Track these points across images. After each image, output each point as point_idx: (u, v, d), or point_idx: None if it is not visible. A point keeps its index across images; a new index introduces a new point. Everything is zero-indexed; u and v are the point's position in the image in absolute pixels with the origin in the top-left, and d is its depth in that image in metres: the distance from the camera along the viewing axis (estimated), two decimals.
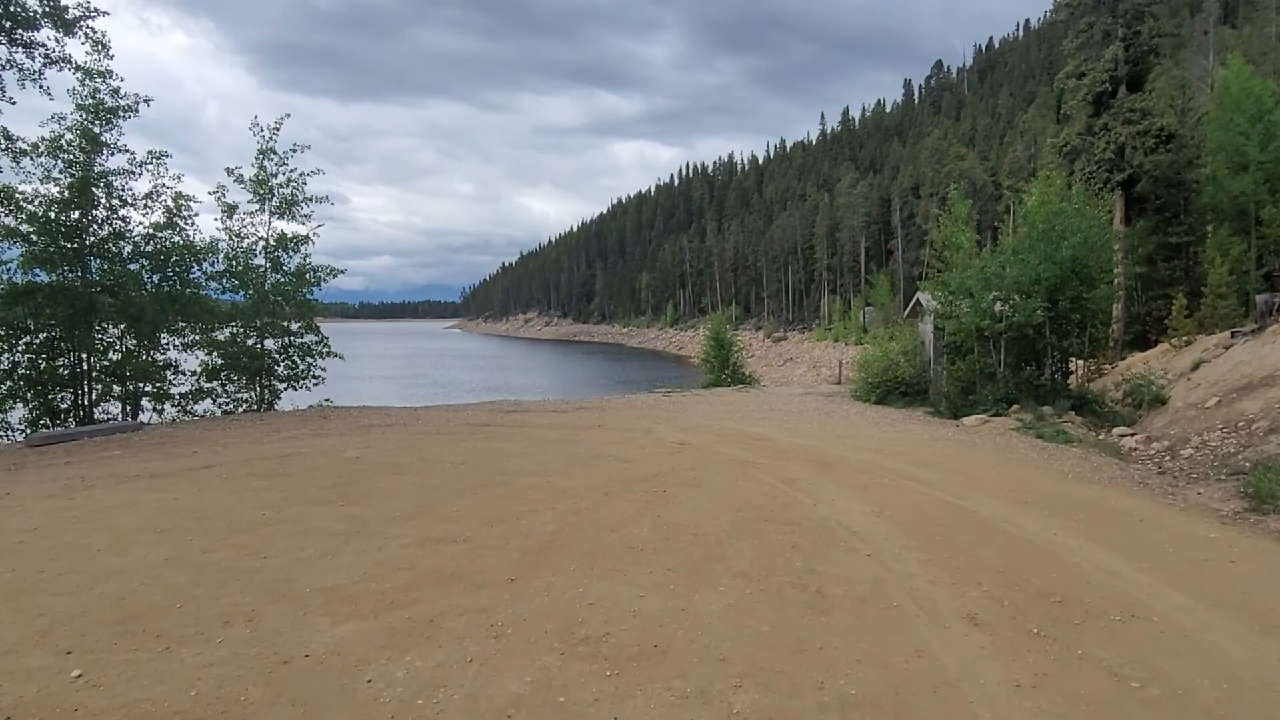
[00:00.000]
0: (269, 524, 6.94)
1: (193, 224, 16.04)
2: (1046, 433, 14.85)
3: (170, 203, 15.70)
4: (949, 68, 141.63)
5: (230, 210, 17.00)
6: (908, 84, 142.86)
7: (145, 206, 15.70)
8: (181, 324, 15.90)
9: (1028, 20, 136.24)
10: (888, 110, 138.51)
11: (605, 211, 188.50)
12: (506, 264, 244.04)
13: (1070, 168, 27.23)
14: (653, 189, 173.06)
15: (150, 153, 15.58)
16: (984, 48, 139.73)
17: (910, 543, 6.95)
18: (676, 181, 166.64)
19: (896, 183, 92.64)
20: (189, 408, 16.03)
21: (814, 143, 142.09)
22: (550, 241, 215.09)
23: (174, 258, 15.65)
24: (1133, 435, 15.13)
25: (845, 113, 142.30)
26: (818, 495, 8.77)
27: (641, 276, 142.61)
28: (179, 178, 15.98)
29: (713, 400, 21.27)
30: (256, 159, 17.11)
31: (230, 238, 17.18)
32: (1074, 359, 18.41)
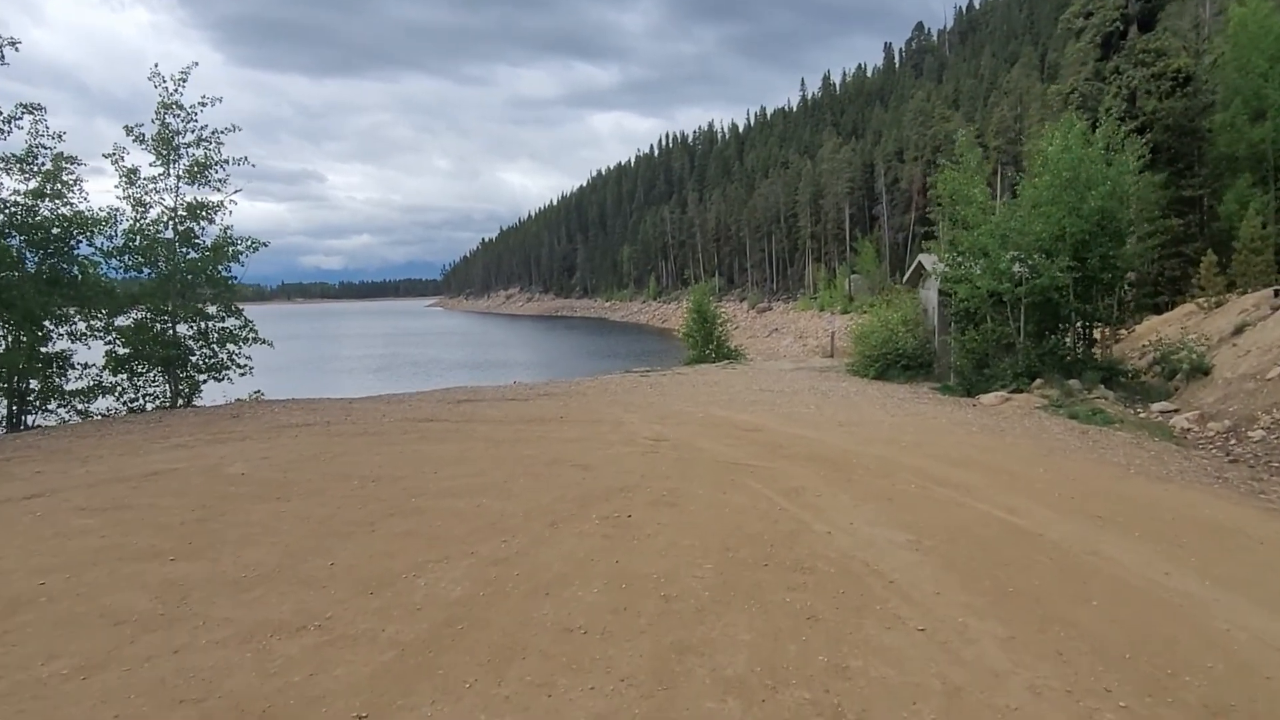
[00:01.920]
0: (36, 603, 4.74)
1: (78, 191, 13.63)
2: (1080, 412, 12.82)
3: (50, 166, 13.29)
4: (930, 30, 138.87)
5: (130, 176, 14.54)
6: (888, 47, 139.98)
7: (22, 171, 13.30)
8: (70, 309, 13.51)
9: None
10: (869, 75, 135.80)
11: (585, 185, 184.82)
12: (487, 240, 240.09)
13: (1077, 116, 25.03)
14: (632, 160, 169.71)
15: (21, 105, 13.16)
16: (964, 9, 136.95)
17: (974, 600, 4.85)
18: (656, 152, 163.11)
19: (880, 147, 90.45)
20: (83, 407, 13.71)
21: (795, 110, 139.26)
22: (530, 216, 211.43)
23: (55, 231, 13.24)
24: (1178, 412, 13.12)
25: (826, 78, 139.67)
26: (831, 515, 6.66)
27: (623, 249, 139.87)
28: (60, 136, 13.57)
29: (696, 380, 19.12)
30: (157, 113, 14.63)
31: (134, 208, 14.75)
32: (1099, 325, 16.35)
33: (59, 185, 13.39)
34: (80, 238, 13.63)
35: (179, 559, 5.52)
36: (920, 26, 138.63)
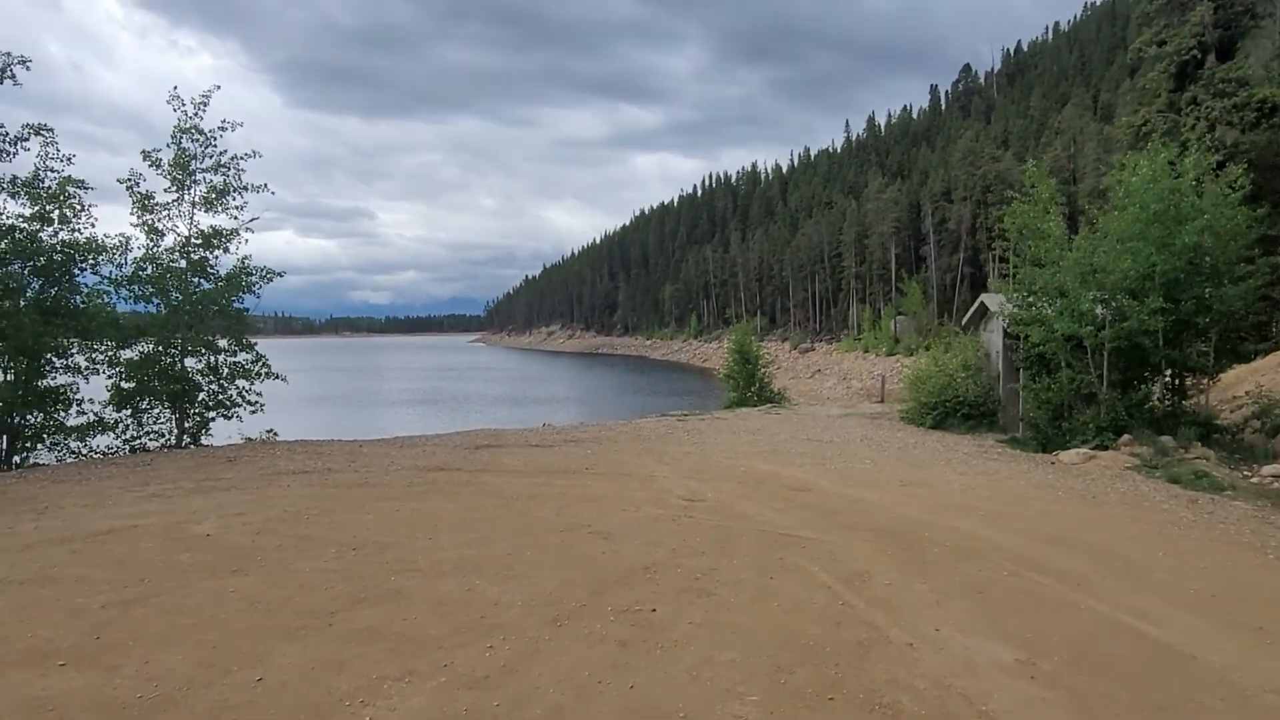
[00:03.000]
0: None
1: (84, 216, 12.82)
2: (1181, 475, 11.15)
3: (56, 190, 12.51)
4: (976, 72, 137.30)
5: (144, 202, 13.75)
6: (934, 89, 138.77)
7: (30, 195, 12.55)
8: (68, 341, 12.62)
9: (1057, 23, 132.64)
10: (914, 116, 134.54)
11: (628, 223, 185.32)
12: (530, 277, 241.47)
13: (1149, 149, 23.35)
14: (675, 200, 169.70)
15: (28, 126, 12.44)
16: (1011, 51, 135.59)
17: None
18: (699, 192, 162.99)
19: (926, 188, 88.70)
20: (78, 445, 12.74)
21: (839, 150, 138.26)
22: (573, 254, 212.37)
23: (57, 257, 12.42)
24: None
25: (871, 119, 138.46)
26: (909, 617, 5.23)
27: (665, 288, 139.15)
28: (70, 159, 12.81)
29: (736, 426, 17.71)
30: (174, 137, 13.87)
31: (148, 235, 13.94)
32: (1190, 374, 14.60)
33: (64, 210, 12.60)
34: (84, 265, 12.78)
35: (69, 664, 4.29)
36: (967, 68, 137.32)
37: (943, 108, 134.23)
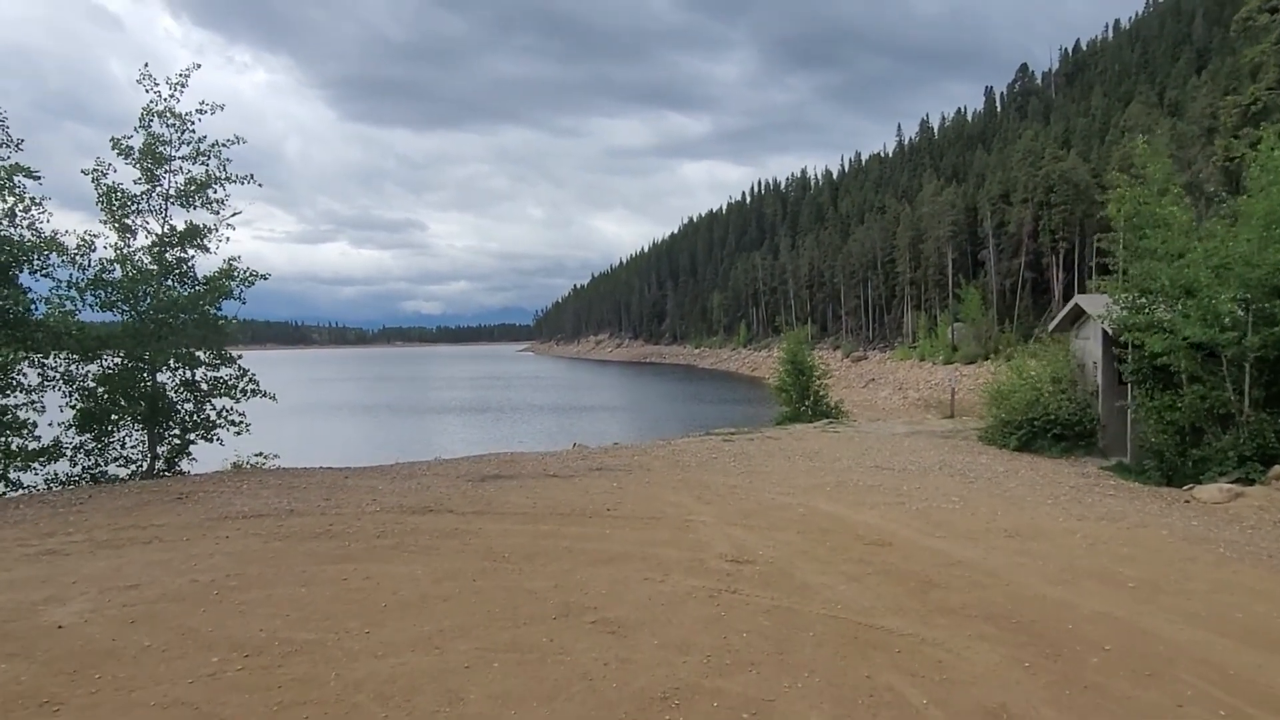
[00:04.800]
0: None
1: (37, 210, 11.17)
2: None
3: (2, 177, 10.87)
4: (1034, 72, 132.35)
5: (109, 196, 12.07)
6: (989, 91, 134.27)
7: None
8: (12, 354, 10.89)
9: (1117, 21, 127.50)
10: (969, 119, 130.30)
11: (676, 231, 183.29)
12: (578, 286, 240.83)
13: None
14: (724, 207, 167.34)
15: None
16: (1070, 51, 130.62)
17: None
18: (748, 199, 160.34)
19: (984, 190, 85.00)
20: (17, 474, 11.03)
21: (891, 155, 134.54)
22: (621, 263, 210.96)
23: (5, 259, 10.74)
24: None
25: (924, 122, 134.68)
26: None
27: (713, 296, 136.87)
28: (18, 145, 11.17)
29: (790, 448, 15.47)
30: (142, 121, 12.20)
31: (119, 233, 12.26)
32: None
33: (5, 198, 10.94)
34: (30, 267, 11.06)
35: None
36: (1024, 69, 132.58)
37: (998, 109, 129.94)
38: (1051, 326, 18.69)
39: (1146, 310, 12.36)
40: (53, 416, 11.46)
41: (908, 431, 19.97)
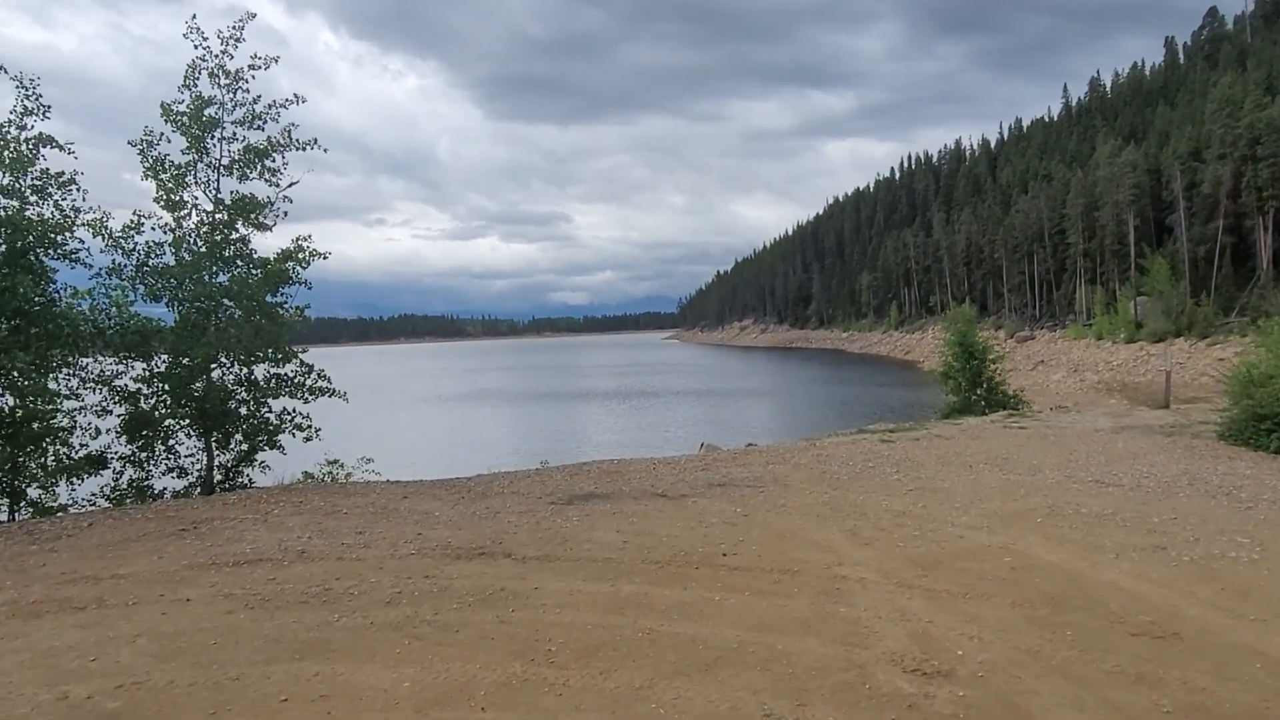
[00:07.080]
0: None
1: (71, 189, 9.70)
2: None
3: (14, 152, 9.43)
4: (1224, 16, 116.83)
5: (155, 169, 10.53)
6: (1169, 41, 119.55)
7: None
8: (28, 357, 9.36)
9: None
10: (1147, 74, 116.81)
11: (820, 213, 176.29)
12: (722, 272, 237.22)
13: None
14: (871, 185, 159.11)
15: None
16: None
17: None
18: (897, 175, 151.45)
19: (1169, 149, 75.17)
20: (53, 488, 9.64)
21: (1057, 118, 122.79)
22: (764, 247, 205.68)
23: (24, 241, 9.30)
24: None
25: (1094, 80, 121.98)
26: None
27: (861, 277, 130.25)
28: (45, 113, 9.78)
29: (969, 450, 12.27)
30: (186, 80, 10.58)
31: (171, 210, 10.69)
32: None
33: (37, 179, 9.53)
34: (48, 250, 9.56)
35: None
36: (1213, 12, 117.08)
37: (1181, 60, 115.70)
38: None
39: None
40: (89, 421, 10.03)
41: (1114, 426, 16.10)
